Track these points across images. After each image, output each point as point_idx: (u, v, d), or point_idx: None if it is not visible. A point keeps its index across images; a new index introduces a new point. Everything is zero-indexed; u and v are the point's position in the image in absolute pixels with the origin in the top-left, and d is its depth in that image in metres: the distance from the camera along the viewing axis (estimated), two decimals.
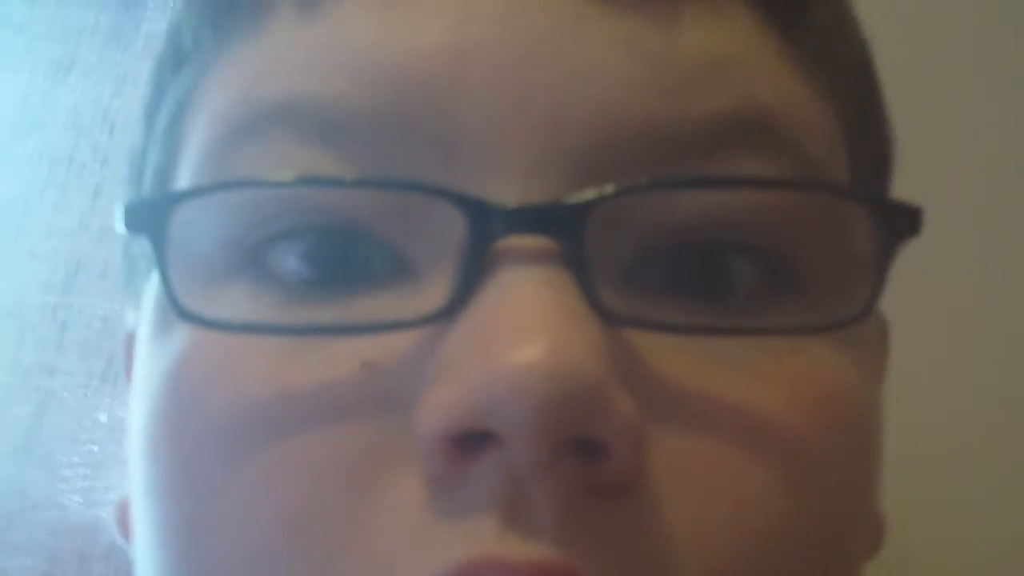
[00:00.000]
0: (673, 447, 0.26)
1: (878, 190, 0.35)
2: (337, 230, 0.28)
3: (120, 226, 0.28)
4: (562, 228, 0.26)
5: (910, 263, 0.31)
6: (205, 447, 0.28)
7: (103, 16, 0.80)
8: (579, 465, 0.25)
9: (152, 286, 0.32)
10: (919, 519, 0.66)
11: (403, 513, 0.25)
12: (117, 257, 0.74)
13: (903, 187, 0.35)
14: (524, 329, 0.24)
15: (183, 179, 0.31)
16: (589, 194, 0.26)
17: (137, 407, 0.31)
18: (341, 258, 0.28)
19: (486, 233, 0.26)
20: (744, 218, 0.28)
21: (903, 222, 0.28)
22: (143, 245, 0.29)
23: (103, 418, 0.73)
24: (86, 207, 0.75)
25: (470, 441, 0.25)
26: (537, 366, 0.24)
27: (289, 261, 0.28)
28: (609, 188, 0.27)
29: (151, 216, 0.28)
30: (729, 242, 0.29)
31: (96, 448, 0.73)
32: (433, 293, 0.27)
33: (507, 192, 0.27)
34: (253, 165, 0.29)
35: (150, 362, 0.31)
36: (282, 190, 0.28)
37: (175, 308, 0.28)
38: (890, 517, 0.38)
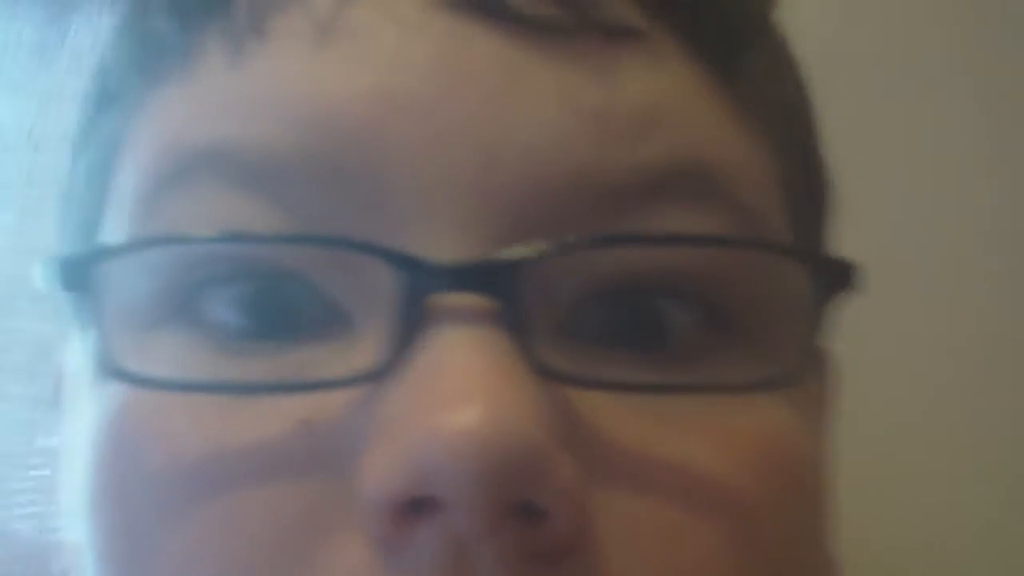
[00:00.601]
0: (618, 508, 0.26)
1: (815, 233, 0.34)
2: (269, 278, 0.28)
3: (44, 283, 0.28)
4: (496, 286, 0.26)
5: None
6: (141, 505, 0.27)
7: (26, 31, 0.79)
8: (521, 529, 0.24)
9: (80, 333, 0.31)
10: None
11: (347, 574, 0.25)
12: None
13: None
14: (460, 393, 0.24)
15: (111, 225, 0.30)
16: (522, 251, 0.26)
17: (75, 459, 0.30)
18: (274, 306, 0.28)
19: (419, 289, 0.26)
20: (679, 272, 0.28)
21: (838, 277, 0.28)
22: (70, 301, 0.29)
23: (53, 442, 0.72)
24: (14, 227, 0.74)
25: (413, 505, 0.24)
26: (474, 432, 0.23)
27: (220, 310, 0.28)
28: (542, 246, 0.26)
29: (77, 273, 0.28)
30: (663, 289, 0.28)
31: (47, 473, 0.72)
32: (368, 348, 0.26)
33: (439, 246, 0.26)
34: (181, 215, 0.28)
35: (86, 411, 0.30)
36: (210, 244, 0.27)
37: (106, 365, 0.27)
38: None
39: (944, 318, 0.70)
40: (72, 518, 0.30)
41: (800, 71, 0.34)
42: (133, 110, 0.30)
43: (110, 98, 0.32)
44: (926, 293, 0.69)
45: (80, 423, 0.30)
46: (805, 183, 0.33)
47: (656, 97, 0.28)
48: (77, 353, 0.32)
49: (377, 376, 0.26)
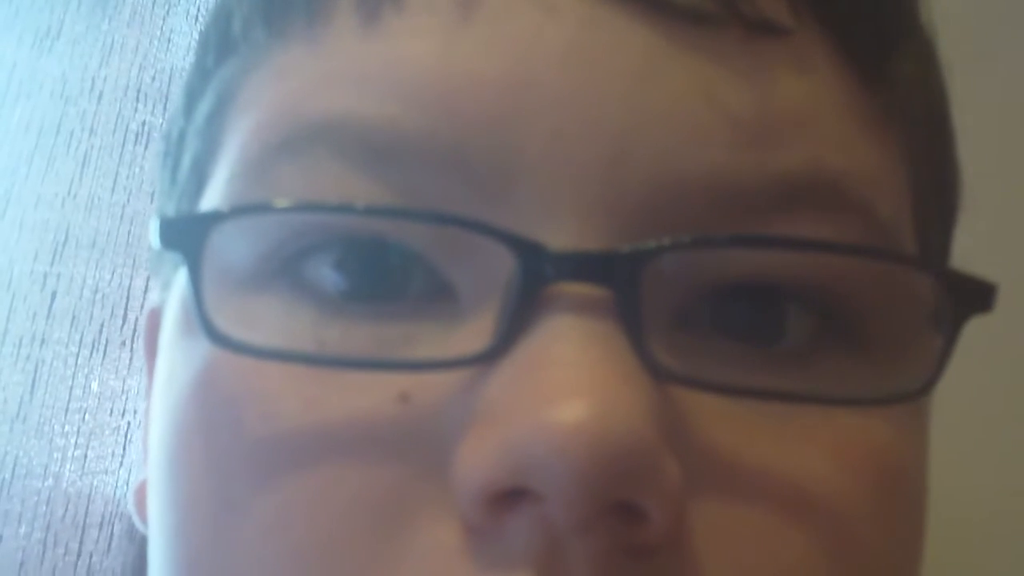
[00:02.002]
0: (715, 511, 0.25)
1: (942, 241, 0.33)
2: (377, 247, 0.27)
3: (156, 240, 0.27)
4: (617, 278, 0.25)
5: None
6: (231, 465, 0.27)
7: None
8: (618, 526, 0.24)
9: (181, 279, 0.31)
10: None
11: (436, 559, 0.25)
12: (105, 227, 0.74)
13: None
14: (571, 385, 0.23)
15: (220, 180, 0.30)
16: (648, 245, 0.25)
17: (160, 408, 0.30)
18: (378, 271, 0.27)
19: (537, 276, 0.25)
20: (805, 279, 0.27)
21: (974, 296, 0.27)
22: (177, 259, 0.28)
23: (95, 387, 0.73)
24: (74, 176, 0.75)
25: (508, 495, 0.24)
26: (583, 427, 0.23)
27: (324, 271, 0.27)
28: (669, 240, 0.25)
29: (189, 234, 0.27)
30: (786, 290, 0.27)
31: (89, 417, 0.73)
32: (476, 330, 0.26)
33: (560, 235, 0.26)
34: (292, 184, 0.27)
35: (174, 363, 0.30)
36: (323, 214, 0.27)
37: (207, 331, 0.27)
38: None
39: None
40: (150, 468, 0.31)
41: (943, 73, 0.33)
42: (253, 64, 0.30)
43: (230, 46, 0.31)
44: None
45: (168, 374, 0.30)
46: (937, 192, 0.32)
47: (800, 103, 0.27)
48: (174, 302, 0.32)
49: (485, 359, 0.25)
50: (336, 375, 0.26)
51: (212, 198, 0.30)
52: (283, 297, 0.28)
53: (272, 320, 0.28)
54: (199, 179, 0.31)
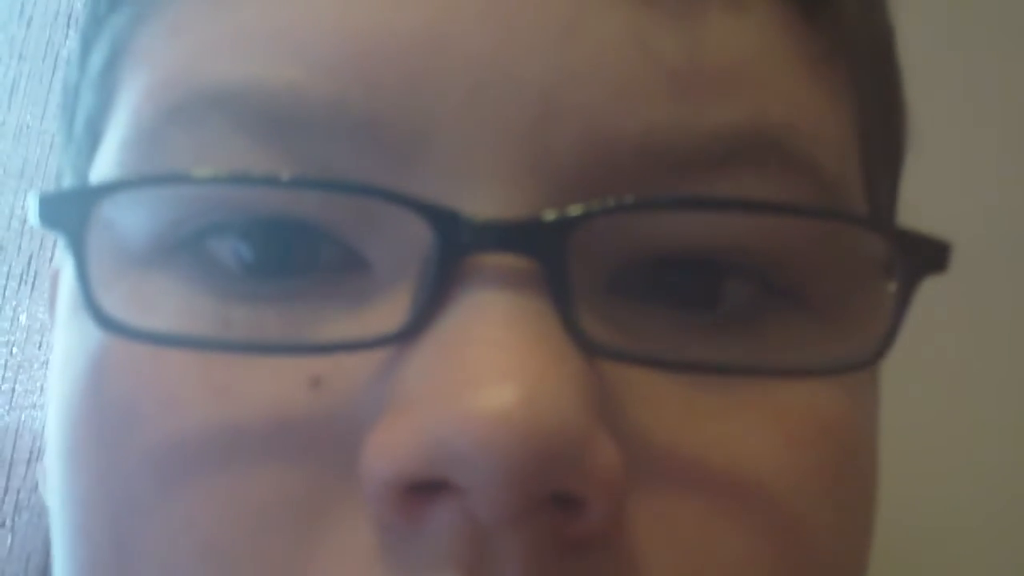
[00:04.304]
0: (654, 498, 0.24)
1: (891, 189, 0.32)
2: (285, 221, 0.25)
3: (34, 218, 0.25)
4: (542, 247, 0.23)
5: None
6: (130, 464, 0.25)
7: None
8: (551, 518, 0.22)
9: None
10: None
11: (348, 561, 0.23)
12: (34, 155, 0.73)
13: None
14: (493, 367, 0.21)
15: (112, 145, 0.27)
16: (575, 210, 0.23)
17: (55, 393, 0.28)
18: (288, 245, 0.25)
19: (455, 247, 0.23)
20: (747, 243, 0.25)
21: (928, 257, 0.26)
22: (59, 239, 0.26)
23: (23, 320, 0.72)
24: (2, 104, 0.73)
25: (423, 487, 0.22)
26: (507, 415, 0.21)
27: (227, 247, 0.25)
28: (598, 204, 0.24)
29: (71, 211, 0.25)
30: (727, 262, 0.26)
31: (16, 350, 0.71)
32: (391, 306, 0.24)
33: (481, 202, 0.24)
34: (189, 153, 0.25)
35: (69, 345, 0.28)
36: (221, 187, 0.25)
37: (95, 316, 0.24)
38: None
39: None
40: (47, 458, 0.29)
41: (887, 9, 0.31)
42: (147, 14, 0.28)
43: None
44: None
45: (63, 351, 0.28)
46: (885, 135, 0.31)
47: (739, 48, 0.25)
48: (66, 276, 0.29)
49: (399, 339, 0.23)
50: (244, 358, 0.24)
51: (103, 165, 0.28)
52: (184, 274, 0.26)
53: (172, 300, 0.26)
54: (93, 137, 0.29)
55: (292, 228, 0.25)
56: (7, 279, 0.72)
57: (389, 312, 0.24)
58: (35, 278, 0.72)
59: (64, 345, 0.28)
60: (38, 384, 0.70)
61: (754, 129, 0.25)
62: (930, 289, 0.26)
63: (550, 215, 0.23)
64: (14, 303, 0.72)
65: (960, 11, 0.74)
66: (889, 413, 0.30)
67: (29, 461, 0.68)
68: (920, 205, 0.31)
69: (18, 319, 0.72)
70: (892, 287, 0.26)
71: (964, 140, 0.71)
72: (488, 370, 0.21)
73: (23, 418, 0.70)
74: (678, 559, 0.24)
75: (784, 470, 0.25)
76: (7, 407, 0.70)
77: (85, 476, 0.26)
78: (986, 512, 0.71)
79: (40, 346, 0.71)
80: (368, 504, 0.23)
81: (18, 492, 0.68)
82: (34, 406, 0.70)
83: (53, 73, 0.74)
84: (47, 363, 0.70)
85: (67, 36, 0.74)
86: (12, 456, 0.68)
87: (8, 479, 0.68)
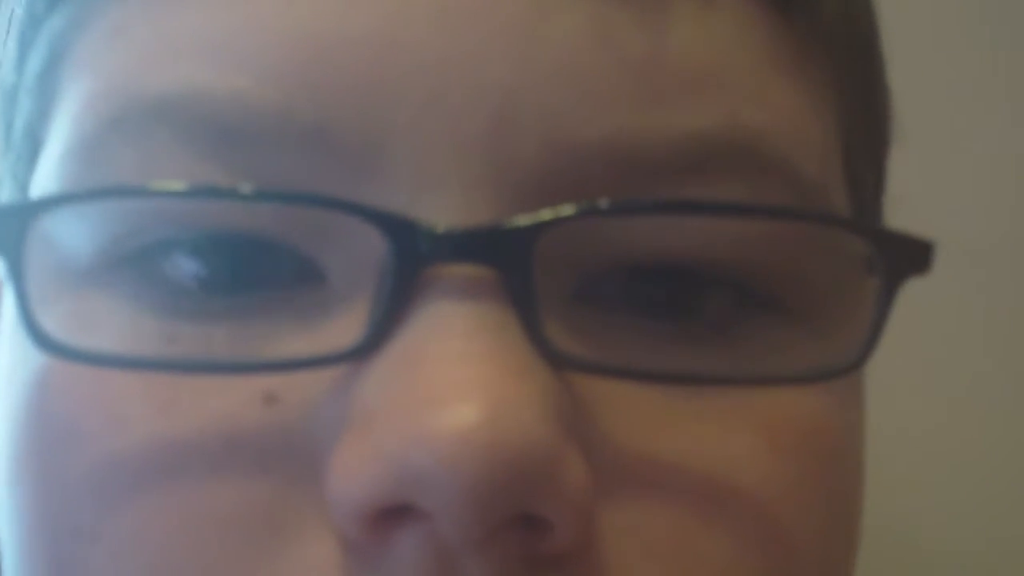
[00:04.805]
0: (629, 511, 0.23)
1: (875, 187, 0.31)
2: (234, 238, 0.24)
3: None
4: (504, 256, 0.22)
5: None
6: (74, 487, 0.24)
7: None
8: (519, 538, 0.22)
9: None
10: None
11: None
12: None
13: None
14: (454, 383, 0.21)
15: (53, 155, 0.26)
16: (542, 216, 0.23)
17: (1, 407, 0.27)
18: (239, 259, 0.25)
19: (412, 258, 0.22)
20: (721, 251, 0.25)
21: (910, 257, 0.25)
22: None
23: None
24: None
25: (391, 511, 0.22)
26: (470, 434, 0.20)
27: (177, 259, 0.25)
28: (564, 210, 0.23)
29: (8, 226, 0.24)
30: (703, 270, 0.25)
31: None
32: (348, 320, 0.23)
33: (440, 212, 0.23)
34: (133, 166, 0.24)
35: (14, 359, 0.27)
36: (167, 200, 0.24)
37: (34, 337, 0.24)
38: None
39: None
40: None
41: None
42: (87, 16, 0.27)
43: None
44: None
45: (6, 367, 0.27)
46: (868, 127, 0.30)
47: (710, 50, 0.24)
48: (8, 290, 0.28)
49: (357, 355, 0.23)
50: (191, 379, 0.24)
51: (44, 177, 0.27)
52: (128, 291, 0.25)
53: (115, 318, 0.25)
54: (33, 144, 0.28)
55: (244, 242, 0.24)
56: None
57: (346, 327, 0.23)
58: None
59: (7, 361, 0.27)
60: None
61: (726, 135, 0.24)
62: (915, 287, 0.26)
63: (513, 222, 0.23)
64: None
65: None
66: (876, 414, 0.30)
67: None
68: (910, 200, 0.29)
69: None
70: (874, 286, 0.25)
71: (956, 131, 0.70)
72: (448, 387, 0.21)
73: None
74: (656, 570, 0.23)
75: (767, 477, 0.24)
76: None
77: (26, 498, 0.25)
78: (975, 516, 0.70)
79: None
80: (335, 524, 0.22)
81: None
82: None
83: None
84: None
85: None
86: None
87: None
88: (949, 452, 0.70)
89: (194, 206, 0.24)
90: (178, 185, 0.24)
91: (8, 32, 0.30)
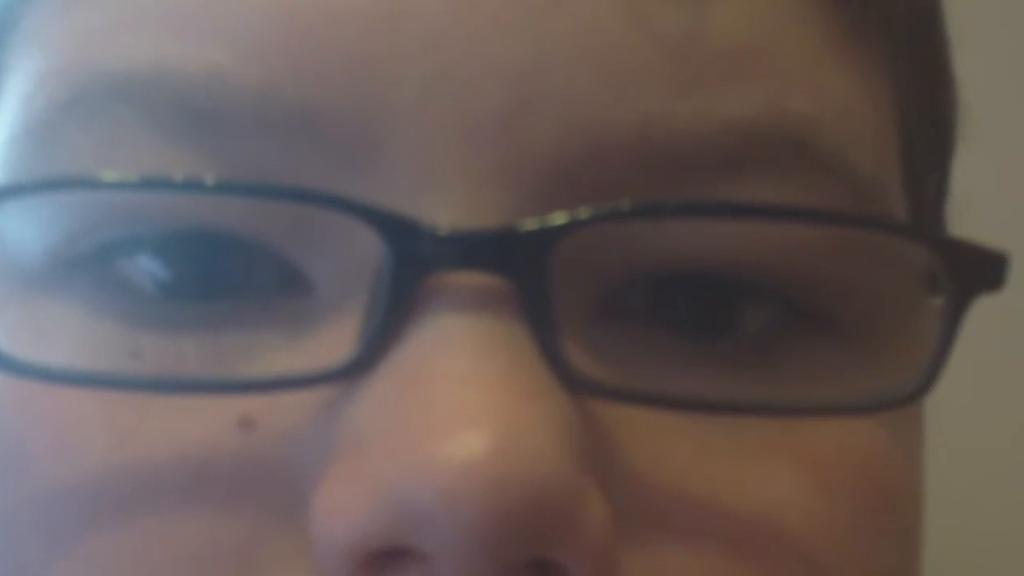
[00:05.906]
0: (654, 556, 0.22)
1: (938, 190, 0.29)
2: (206, 236, 0.23)
3: None
4: (518, 264, 0.21)
5: None
6: (19, 520, 0.23)
7: None
8: None
9: None
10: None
11: None
12: None
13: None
14: (460, 409, 0.20)
15: (1, 134, 0.25)
16: (557, 219, 0.21)
17: None
18: (210, 264, 0.23)
19: (413, 264, 0.21)
20: (762, 260, 0.23)
21: (981, 271, 0.23)
22: None
23: None
24: None
25: (385, 554, 0.20)
26: (477, 467, 0.19)
27: (141, 260, 0.23)
28: (585, 213, 0.21)
29: None
30: (742, 281, 0.23)
31: None
32: (337, 334, 0.22)
33: (444, 211, 0.21)
34: (90, 153, 0.23)
35: None
36: (122, 193, 0.22)
37: None
38: None
39: None
40: None
41: None
42: None
43: None
44: None
45: None
46: (931, 122, 0.28)
47: (755, 29, 0.23)
48: None
49: (347, 375, 0.21)
50: (156, 400, 0.22)
51: None
52: (85, 297, 0.23)
53: (70, 328, 0.23)
54: None
55: (216, 242, 0.23)
56: None
57: (334, 341, 0.22)
58: None
59: None
60: None
61: (772, 123, 0.22)
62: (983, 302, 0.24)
63: (528, 225, 0.21)
64: None
65: None
66: (933, 446, 0.28)
67: None
68: (978, 206, 0.27)
69: None
70: (937, 303, 0.24)
71: None
72: (452, 412, 0.19)
73: None
74: None
75: (814, 520, 0.23)
76: None
77: None
78: None
79: None
80: (318, 566, 0.21)
81: None
82: None
83: None
84: None
85: None
86: None
87: None
88: (1018, 485, 0.67)
89: (155, 200, 0.22)
90: (130, 176, 0.22)
91: None
